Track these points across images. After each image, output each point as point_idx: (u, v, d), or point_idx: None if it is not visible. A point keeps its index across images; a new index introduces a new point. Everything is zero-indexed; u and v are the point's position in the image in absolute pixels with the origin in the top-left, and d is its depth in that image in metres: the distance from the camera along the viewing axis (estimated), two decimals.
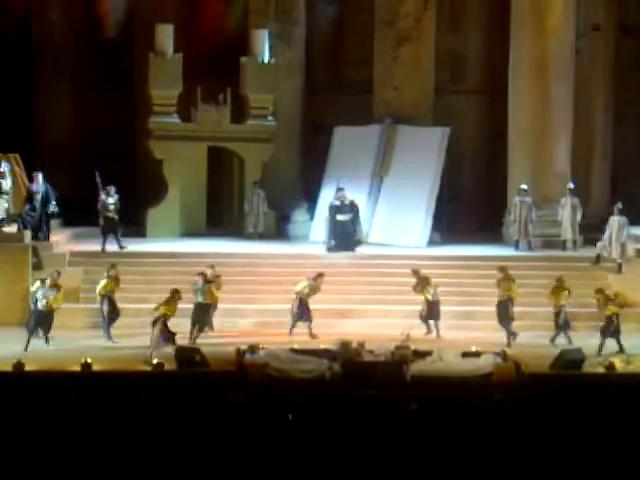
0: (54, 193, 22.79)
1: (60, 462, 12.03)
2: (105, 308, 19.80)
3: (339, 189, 23.96)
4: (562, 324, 20.03)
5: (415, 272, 20.81)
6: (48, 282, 19.42)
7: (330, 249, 23.47)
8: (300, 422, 13.30)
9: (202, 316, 19.84)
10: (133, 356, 18.45)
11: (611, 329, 19.37)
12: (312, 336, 20.11)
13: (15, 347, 18.77)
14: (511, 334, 20.00)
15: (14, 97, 27.10)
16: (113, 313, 19.84)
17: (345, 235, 23.55)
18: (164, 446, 12.46)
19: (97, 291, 19.97)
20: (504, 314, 20.16)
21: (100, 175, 22.74)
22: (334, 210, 23.73)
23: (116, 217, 22.62)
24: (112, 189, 22.73)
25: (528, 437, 13.01)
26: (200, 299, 19.82)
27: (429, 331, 20.54)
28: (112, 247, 22.71)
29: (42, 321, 19.19)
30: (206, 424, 13.12)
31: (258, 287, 21.72)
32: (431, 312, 20.51)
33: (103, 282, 19.95)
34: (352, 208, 23.83)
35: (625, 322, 20.99)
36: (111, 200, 22.66)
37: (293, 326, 20.30)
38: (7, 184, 22.83)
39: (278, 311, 20.92)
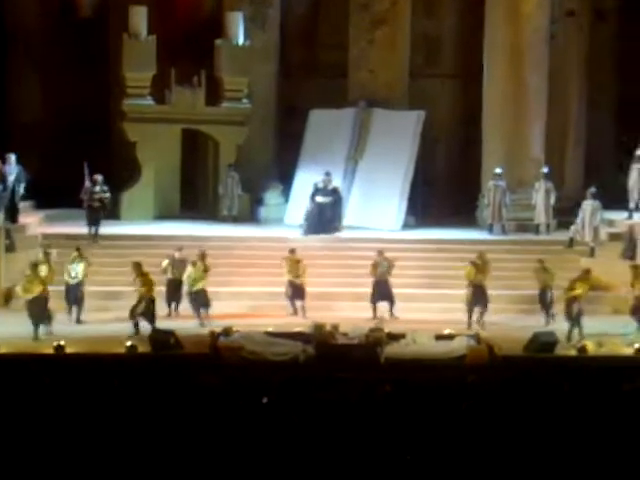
0: (26, 175, 22.63)
1: (32, 445, 11.99)
2: (82, 291, 19.75)
3: (326, 173, 24.08)
4: (548, 304, 20.17)
5: (380, 253, 20.81)
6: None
7: (305, 231, 23.49)
8: (274, 404, 13.32)
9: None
10: (107, 338, 18.41)
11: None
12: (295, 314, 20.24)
13: None
14: (551, 317, 20.17)
15: None
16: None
17: (322, 218, 23.55)
18: (138, 429, 12.45)
19: (80, 275, 19.74)
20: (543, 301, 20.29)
21: (88, 166, 22.47)
22: (315, 191, 23.76)
23: (99, 206, 22.29)
24: (99, 178, 22.49)
25: (500, 418, 13.09)
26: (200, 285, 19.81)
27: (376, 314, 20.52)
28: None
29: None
30: (180, 406, 13.11)
31: (233, 270, 21.69)
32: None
33: (83, 265, 19.77)
34: (333, 193, 23.79)
35: (599, 305, 21.19)
36: (97, 189, 22.35)
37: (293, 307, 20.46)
38: None
39: (253, 294, 20.91)
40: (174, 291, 20.23)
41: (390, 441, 12.46)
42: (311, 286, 20.98)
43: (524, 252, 22.66)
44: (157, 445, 12.13)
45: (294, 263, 20.61)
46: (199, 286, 19.85)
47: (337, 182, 24.98)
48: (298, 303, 20.53)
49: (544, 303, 20.34)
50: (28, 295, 18.68)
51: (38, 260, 19.65)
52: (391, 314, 20.49)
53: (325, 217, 23.62)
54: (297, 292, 20.49)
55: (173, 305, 20.35)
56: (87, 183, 22.51)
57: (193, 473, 11.78)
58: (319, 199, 23.71)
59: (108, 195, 22.70)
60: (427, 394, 14.12)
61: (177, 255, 20.37)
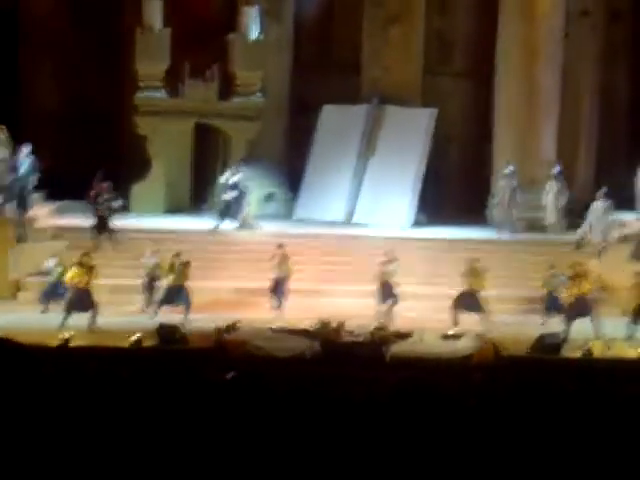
0: (37, 167, 22.67)
1: (36, 438, 12.03)
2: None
3: (230, 168, 23.79)
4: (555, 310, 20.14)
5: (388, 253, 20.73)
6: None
7: (216, 227, 23.13)
8: (278, 400, 13.32)
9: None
10: (114, 332, 18.49)
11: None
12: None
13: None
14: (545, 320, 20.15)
15: (1, 70, 26.93)
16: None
17: (226, 212, 23.17)
18: (143, 422, 12.47)
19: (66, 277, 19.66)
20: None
21: (102, 174, 22.13)
22: (221, 187, 23.46)
23: (108, 215, 21.87)
24: (106, 186, 22.05)
25: (505, 418, 13.08)
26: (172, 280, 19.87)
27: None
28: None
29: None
30: (185, 401, 13.13)
31: (239, 264, 21.72)
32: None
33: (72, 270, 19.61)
34: (235, 188, 23.33)
35: (607, 307, 21.12)
36: (105, 197, 21.92)
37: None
38: None
39: (255, 290, 20.87)
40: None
41: (394, 440, 12.45)
42: (316, 282, 20.98)
43: (533, 252, 22.60)
44: (162, 440, 12.16)
45: (283, 259, 20.51)
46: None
47: (347, 178, 24.99)
48: (278, 299, 20.31)
49: (554, 308, 20.24)
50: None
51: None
52: (389, 311, 20.37)
53: (229, 211, 23.19)
54: (279, 288, 20.29)
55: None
56: (91, 193, 22.10)
57: (197, 467, 11.81)
58: (224, 195, 23.32)
59: (118, 203, 22.21)
60: (432, 393, 14.09)
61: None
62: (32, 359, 14.28)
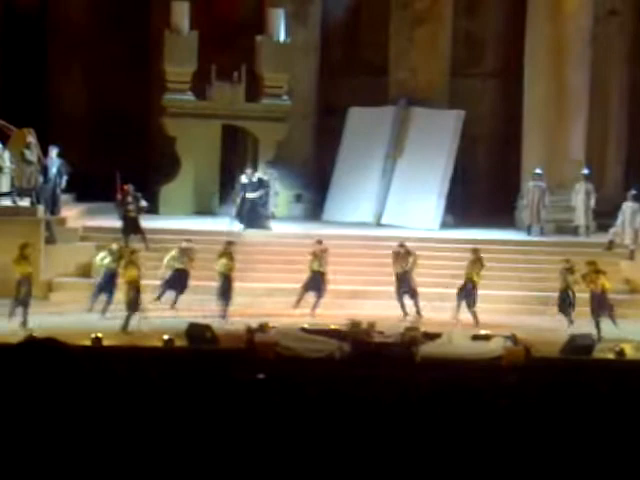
0: (67, 168, 22.78)
1: (65, 435, 12.06)
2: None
3: (246, 170, 23.79)
4: (567, 307, 20.01)
5: (402, 245, 20.60)
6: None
7: (245, 227, 23.07)
8: (309, 402, 13.30)
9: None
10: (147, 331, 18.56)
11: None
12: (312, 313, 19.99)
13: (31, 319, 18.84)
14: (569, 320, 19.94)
15: (30, 72, 27.09)
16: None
17: (252, 213, 23.15)
18: (174, 422, 12.48)
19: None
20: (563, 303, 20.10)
21: (120, 177, 22.14)
22: (243, 189, 23.39)
23: (135, 216, 21.85)
24: (130, 189, 22.01)
25: (537, 420, 13.01)
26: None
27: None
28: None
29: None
30: (215, 401, 13.13)
31: (268, 266, 21.73)
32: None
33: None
34: (260, 184, 23.39)
35: (635, 309, 21.00)
36: (129, 199, 21.93)
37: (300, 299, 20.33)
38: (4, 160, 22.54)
39: (286, 290, 20.87)
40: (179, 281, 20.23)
41: (425, 440, 12.39)
42: (345, 284, 20.97)
43: (562, 254, 22.43)
44: (192, 439, 12.16)
45: (322, 254, 20.41)
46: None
47: (375, 180, 24.97)
48: (314, 296, 20.19)
49: (563, 305, 20.08)
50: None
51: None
52: (417, 311, 20.27)
53: (255, 211, 23.16)
54: (317, 284, 20.18)
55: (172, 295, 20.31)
56: (118, 196, 22.09)
57: (226, 467, 11.80)
58: (248, 195, 23.22)
59: (144, 204, 22.21)
60: (462, 394, 14.04)
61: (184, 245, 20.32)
62: (75, 359, 14.33)
